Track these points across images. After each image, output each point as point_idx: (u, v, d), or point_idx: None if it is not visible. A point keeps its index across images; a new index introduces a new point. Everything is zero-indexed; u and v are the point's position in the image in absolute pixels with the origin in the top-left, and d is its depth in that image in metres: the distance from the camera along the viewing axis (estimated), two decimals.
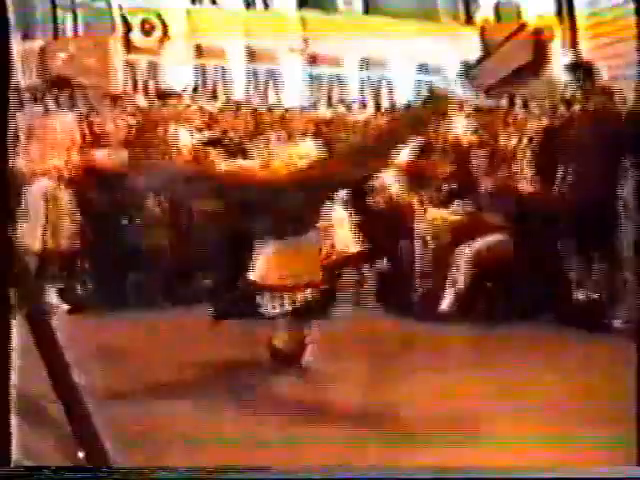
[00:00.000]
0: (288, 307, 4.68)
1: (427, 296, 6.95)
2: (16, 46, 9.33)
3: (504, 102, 8.33)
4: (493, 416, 4.01)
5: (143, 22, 10.78)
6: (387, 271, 7.27)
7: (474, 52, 11.50)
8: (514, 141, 7.15)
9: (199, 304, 6.76)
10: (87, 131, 7.25)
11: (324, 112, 8.90)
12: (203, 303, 6.72)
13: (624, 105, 6.24)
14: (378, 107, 9.00)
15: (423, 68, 11.37)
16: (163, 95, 8.38)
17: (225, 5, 11.52)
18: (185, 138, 7.66)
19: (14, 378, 2.99)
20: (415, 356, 5.34)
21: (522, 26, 10.66)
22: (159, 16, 10.87)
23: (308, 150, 7.68)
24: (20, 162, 6.76)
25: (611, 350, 5.15)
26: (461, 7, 11.94)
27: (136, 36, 10.71)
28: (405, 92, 10.93)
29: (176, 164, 7.48)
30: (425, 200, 7.25)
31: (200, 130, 7.91)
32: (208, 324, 4.96)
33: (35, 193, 6.93)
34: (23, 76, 8.65)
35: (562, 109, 6.89)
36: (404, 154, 7.52)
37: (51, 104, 7.20)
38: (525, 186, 6.86)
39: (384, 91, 11.16)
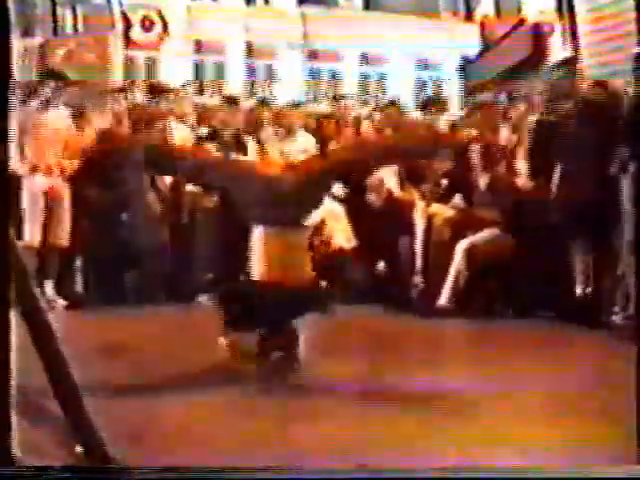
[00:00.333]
0: (285, 302, 4.68)
1: (425, 292, 6.95)
2: (16, 43, 9.36)
3: (502, 97, 8.34)
4: (491, 413, 4.00)
5: (143, 18, 10.79)
6: (385, 268, 7.27)
7: (474, 47, 11.51)
8: (513, 137, 7.14)
9: (198, 299, 6.81)
10: (84, 127, 7.25)
11: (323, 107, 8.89)
12: (202, 297, 6.76)
13: (623, 100, 6.22)
14: (377, 102, 9.00)
15: (423, 63, 11.39)
16: (162, 90, 8.37)
17: (225, 1, 11.53)
18: (183, 133, 7.66)
19: (14, 376, 2.99)
20: (413, 351, 5.34)
21: (522, 21, 10.67)
22: (159, 12, 10.88)
23: (306, 145, 7.68)
24: (18, 159, 6.77)
25: (610, 347, 5.15)
26: (461, 3, 11.96)
27: (136, 32, 10.72)
28: (404, 87, 10.95)
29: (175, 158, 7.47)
30: (423, 195, 7.25)
31: (198, 125, 7.91)
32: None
33: (33, 189, 6.93)
34: (22, 72, 8.67)
35: (560, 104, 6.87)
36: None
37: (49, 100, 7.18)
38: (523, 181, 6.85)
39: (384, 86, 11.18)
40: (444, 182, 7.21)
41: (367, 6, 11.98)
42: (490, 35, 11.31)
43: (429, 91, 11.04)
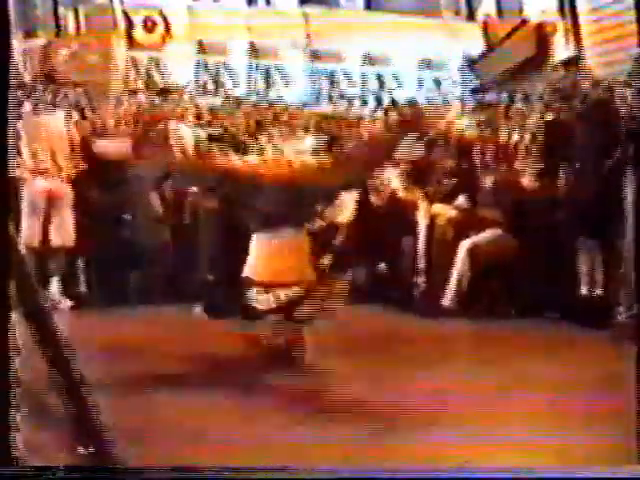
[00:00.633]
0: (283, 303, 4.68)
1: (429, 291, 6.95)
2: (18, 44, 9.36)
3: (506, 97, 8.33)
4: (492, 413, 4.01)
5: (145, 19, 10.79)
6: (387, 268, 7.28)
7: (476, 47, 11.49)
8: (516, 136, 7.14)
9: (199, 300, 6.80)
10: (87, 128, 7.26)
11: (326, 108, 8.90)
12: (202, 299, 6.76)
13: (625, 100, 6.22)
14: (379, 103, 9.00)
15: (425, 63, 11.37)
16: (165, 91, 8.38)
17: (227, 1, 11.52)
18: (186, 134, 7.66)
19: (15, 375, 2.99)
20: (416, 352, 5.34)
21: (524, 21, 10.65)
22: (161, 13, 10.88)
23: (310, 145, 7.69)
24: (20, 160, 6.78)
25: (612, 346, 5.15)
26: (463, 2, 11.94)
27: (138, 33, 10.72)
28: (407, 87, 10.94)
29: (177, 160, 7.50)
30: (427, 195, 7.25)
31: (201, 126, 7.92)
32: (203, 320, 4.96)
33: (33, 191, 6.93)
34: (25, 74, 8.67)
35: (563, 104, 6.87)
36: (406, 150, 7.52)
37: (51, 101, 7.20)
38: (526, 181, 6.85)
39: (386, 86, 11.16)
40: (448, 182, 7.21)
41: (369, 6, 11.96)
42: (492, 35, 11.29)
43: (432, 91, 11.02)
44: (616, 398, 3.79)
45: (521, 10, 10.73)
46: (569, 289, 6.50)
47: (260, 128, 7.90)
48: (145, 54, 10.75)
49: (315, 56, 11.34)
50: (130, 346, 5.30)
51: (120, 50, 10.48)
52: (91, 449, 3.04)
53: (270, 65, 11.13)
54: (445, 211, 7.08)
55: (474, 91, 10.64)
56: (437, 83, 11.36)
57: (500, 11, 11.35)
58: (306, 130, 7.97)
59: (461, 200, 7.11)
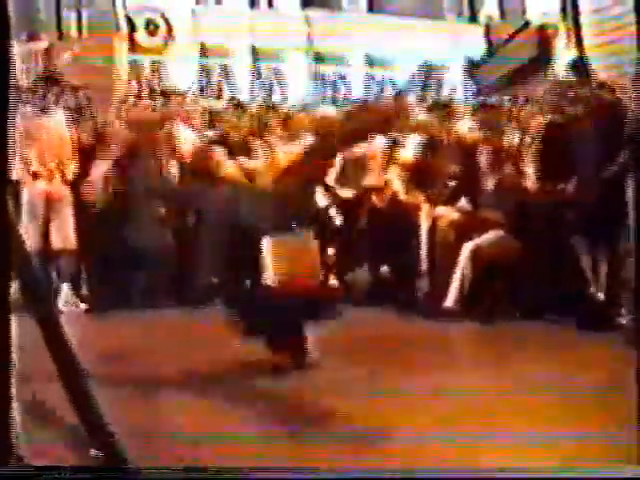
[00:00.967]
0: (293, 305, 4.69)
1: (432, 293, 6.96)
2: (21, 47, 9.39)
3: (508, 99, 8.34)
4: (495, 414, 4.01)
5: (148, 22, 10.81)
6: (390, 271, 7.29)
7: (478, 50, 11.52)
8: (517, 138, 7.14)
9: (207, 303, 6.80)
10: (87, 130, 7.28)
11: (329, 110, 8.91)
12: (211, 302, 6.75)
13: (627, 102, 6.23)
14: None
15: (428, 66, 11.39)
16: (167, 94, 8.40)
17: (229, 4, 11.54)
18: (189, 137, 7.68)
19: (15, 374, 3.00)
20: (419, 353, 5.35)
21: (526, 24, 10.68)
22: (163, 16, 10.90)
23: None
24: (19, 163, 6.79)
25: (614, 348, 5.15)
26: (465, 5, 11.96)
27: (141, 36, 10.74)
28: (408, 89, 10.95)
29: (179, 162, 7.51)
30: (429, 197, 7.26)
31: (204, 129, 7.93)
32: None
33: (33, 194, 6.94)
34: (27, 76, 8.69)
35: (565, 106, 6.88)
36: (408, 151, 7.53)
37: (52, 103, 7.20)
38: (529, 183, 6.86)
39: (388, 88, 11.18)
40: (450, 184, 7.22)
41: (371, 9, 11.99)
42: (495, 37, 11.33)
43: (434, 93, 11.04)
44: (617, 400, 3.79)
45: (524, 12, 10.77)
46: (571, 291, 6.50)
47: (262, 130, 7.91)
48: (148, 57, 10.78)
49: (318, 58, 11.37)
50: (130, 348, 5.32)
51: (122, 53, 10.50)
52: (101, 452, 3.04)
53: (272, 67, 11.15)
54: (448, 213, 7.09)
55: (476, 93, 10.67)
56: (439, 85, 11.39)
57: (502, 13, 11.40)
58: (309, 132, 7.99)
59: (463, 202, 7.12)
